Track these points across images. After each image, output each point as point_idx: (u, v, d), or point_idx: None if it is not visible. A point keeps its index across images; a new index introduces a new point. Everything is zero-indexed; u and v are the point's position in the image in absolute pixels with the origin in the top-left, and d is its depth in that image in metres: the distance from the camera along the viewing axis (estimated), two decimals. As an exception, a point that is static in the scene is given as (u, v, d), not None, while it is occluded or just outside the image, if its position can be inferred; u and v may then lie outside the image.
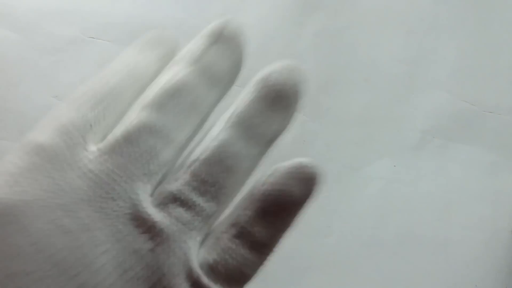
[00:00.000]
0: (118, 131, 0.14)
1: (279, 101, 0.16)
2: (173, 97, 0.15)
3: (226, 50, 0.17)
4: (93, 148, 0.14)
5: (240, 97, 0.16)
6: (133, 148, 0.14)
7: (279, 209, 0.15)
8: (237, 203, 0.15)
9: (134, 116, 0.15)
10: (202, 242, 0.14)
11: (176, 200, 0.14)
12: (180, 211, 0.14)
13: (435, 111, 0.37)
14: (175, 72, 0.16)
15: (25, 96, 0.35)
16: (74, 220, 0.13)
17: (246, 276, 0.15)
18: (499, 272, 0.32)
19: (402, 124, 0.37)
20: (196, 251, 0.14)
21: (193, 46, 0.17)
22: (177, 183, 0.14)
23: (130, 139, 0.14)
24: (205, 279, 0.14)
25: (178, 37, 0.19)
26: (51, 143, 0.14)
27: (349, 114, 0.37)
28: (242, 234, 0.14)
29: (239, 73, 0.18)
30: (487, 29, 0.40)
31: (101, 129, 0.15)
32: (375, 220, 0.33)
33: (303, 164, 0.16)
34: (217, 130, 0.15)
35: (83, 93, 0.15)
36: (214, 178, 0.14)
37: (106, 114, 0.15)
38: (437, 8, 0.41)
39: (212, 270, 0.14)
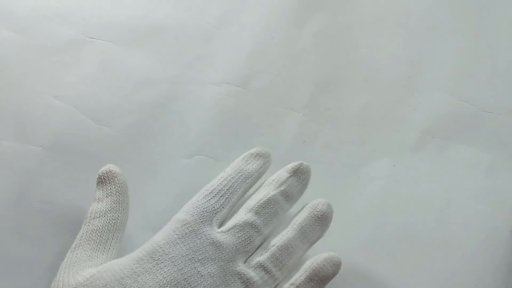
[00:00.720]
0: (233, 222, 0.26)
1: (322, 220, 0.28)
2: (265, 207, 0.27)
3: (299, 179, 0.29)
4: (216, 227, 0.26)
5: (297, 214, 0.28)
6: (241, 234, 0.26)
7: (320, 279, 0.26)
8: (294, 273, 0.26)
9: (243, 215, 0.27)
10: None
11: (261, 266, 0.25)
12: (263, 274, 0.25)
13: (435, 111, 0.37)
14: (268, 191, 0.28)
15: (25, 96, 0.35)
16: (205, 269, 0.24)
17: None
18: (499, 271, 0.32)
19: (402, 124, 0.37)
20: None
21: (279, 175, 0.28)
22: (262, 257, 0.26)
23: (240, 228, 0.26)
24: None
25: (270, 152, 0.30)
26: (193, 221, 0.25)
27: (349, 114, 0.37)
28: None
29: (305, 191, 0.29)
30: (486, 29, 0.40)
31: (221, 215, 0.26)
32: (375, 220, 0.33)
33: (334, 256, 0.27)
34: (287, 231, 0.27)
35: (213, 188, 0.27)
36: (282, 258, 0.26)
37: (225, 204, 0.27)
38: (437, 8, 0.41)
39: None
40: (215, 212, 0.26)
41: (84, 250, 0.24)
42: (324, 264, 0.26)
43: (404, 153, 0.36)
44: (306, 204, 0.28)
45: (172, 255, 0.24)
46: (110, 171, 0.27)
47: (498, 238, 0.33)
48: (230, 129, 0.35)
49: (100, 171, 0.27)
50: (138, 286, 0.23)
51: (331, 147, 0.36)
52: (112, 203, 0.26)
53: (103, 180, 0.27)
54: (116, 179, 0.27)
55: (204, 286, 0.23)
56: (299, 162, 0.29)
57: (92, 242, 0.25)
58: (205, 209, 0.26)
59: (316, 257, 0.26)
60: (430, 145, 0.36)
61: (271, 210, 0.27)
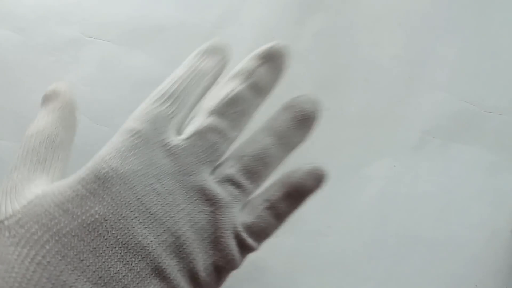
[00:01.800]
0: (192, 129, 0.21)
1: (303, 121, 0.23)
2: (231, 106, 0.22)
3: (271, 68, 0.23)
4: (173, 136, 0.21)
5: (275, 115, 0.23)
6: (203, 142, 0.21)
7: (298, 194, 0.22)
8: (269, 186, 0.22)
9: (202, 119, 0.21)
10: (242, 210, 0.21)
11: (230, 181, 0.21)
12: (232, 188, 0.21)
13: (435, 111, 0.37)
14: (233, 86, 0.22)
15: (25, 96, 0.35)
16: (162, 186, 0.20)
17: (268, 235, 0.21)
18: (499, 272, 0.32)
19: (402, 124, 0.37)
20: (239, 215, 0.21)
21: (246, 64, 0.23)
22: (232, 169, 0.21)
23: (201, 135, 0.21)
24: (244, 234, 0.21)
25: (228, 44, 0.24)
26: (145, 129, 0.21)
27: (349, 114, 0.37)
28: (271, 207, 0.21)
29: (278, 81, 0.23)
30: (487, 29, 0.40)
31: (177, 121, 0.21)
32: (375, 220, 0.33)
33: (318, 167, 0.22)
34: (261, 136, 0.22)
35: (164, 90, 0.22)
36: (256, 169, 0.21)
37: (181, 108, 0.21)
38: (437, 8, 0.41)
39: (249, 228, 0.21)
40: (169, 117, 0.21)
41: (20, 173, 0.21)
42: (306, 179, 0.22)
43: (404, 153, 0.36)
44: (286, 102, 0.23)
45: (121, 172, 0.20)
46: (54, 89, 0.23)
47: (499, 238, 0.33)
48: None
49: (45, 91, 0.24)
50: (82, 211, 0.19)
51: (331, 147, 0.36)
52: (52, 119, 0.23)
53: (46, 99, 0.23)
54: (60, 97, 0.23)
55: (162, 206, 0.19)
56: (270, 43, 0.23)
57: (29, 162, 0.21)
58: (157, 115, 0.21)
59: (296, 169, 0.22)
60: (431, 145, 0.36)
61: (238, 109, 0.22)
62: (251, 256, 0.30)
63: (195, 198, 0.20)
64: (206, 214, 0.20)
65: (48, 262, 0.18)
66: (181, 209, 0.20)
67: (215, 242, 0.20)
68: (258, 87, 0.22)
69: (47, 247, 0.19)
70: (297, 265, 0.32)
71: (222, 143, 0.21)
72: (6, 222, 0.19)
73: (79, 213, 0.19)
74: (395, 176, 0.35)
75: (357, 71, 0.38)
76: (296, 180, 0.22)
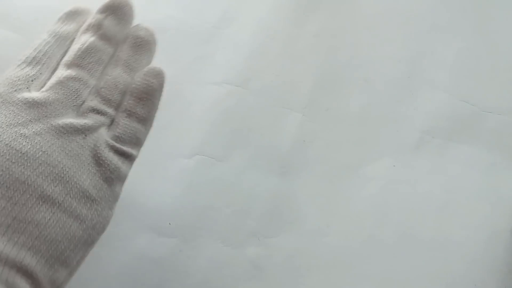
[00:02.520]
0: (53, 80, 0.23)
1: (142, 47, 0.27)
2: (85, 57, 0.24)
3: (117, 18, 0.26)
4: (35, 93, 0.23)
5: (120, 48, 0.26)
6: (64, 90, 0.23)
7: (148, 95, 0.25)
8: (123, 99, 0.25)
9: (61, 71, 0.24)
10: (110, 128, 0.24)
11: (93, 110, 0.24)
12: (96, 116, 0.24)
13: (435, 111, 0.37)
14: (85, 39, 0.25)
15: (25, 96, 0.35)
16: (29, 130, 0.22)
17: (140, 139, 0.25)
18: (499, 272, 0.32)
19: (402, 124, 0.37)
20: (108, 133, 0.24)
21: (94, 18, 0.26)
22: (93, 102, 0.24)
23: (62, 85, 0.23)
24: (117, 144, 0.23)
25: (87, 9, 0.27)
26: (5, 91, 0.23)
27: (349, 114, 0.37)
28: (130, 114, 0.24)
29: (127, 29, 0.26)
30: (486, 29, 0.40)
31: (39, 82, 0.23)
32: (374, 220, 0.33)
33: (153, 67, 0.26)
34: (111, 69, 0.25)
35: (25, 57, 0.24)
36: (112, 96, 0.24)
37: (43, 70, 0.24)
38: (437, 8, 0.41)
39: (120, 139, 0.24)
40: (31, 79, 0.23)
41: None
42: (146, 80, 0.25)
43: (404, 153, 0.36)
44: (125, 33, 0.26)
45: None
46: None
47: (498, 238, 0.33)
48: (230, 129, 0.35)
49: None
50: None
51: (331, 147, 0.36)
52: None
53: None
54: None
55: (32, 145, 0.21)
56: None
57: None
58: (18, 78, 0.23)
59: (135, 76, 0.25)
60: (430, 145, 0.36)
61: (93, 59, 0.24)
62: (250, 256, 0.30)
63: (64, 133, 0.22)
64: (77, 142, 0.22)
65: None
66: (52, 143, 0.22)
67: (96, 160, 0.23)
68: (107, 36, 0.25)
69: None
70: (297, 265, 0.32)
71: (84, 89, 0.24)
72: None
73: None
74: (394, 176, 0.35)
75: (357, 71, 0.38)
76: (140, 82, 0.25)
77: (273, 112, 0.37)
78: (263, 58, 0.38)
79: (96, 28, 0.25)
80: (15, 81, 0.23)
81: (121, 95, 0.25)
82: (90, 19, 0.26)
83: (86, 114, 0.23)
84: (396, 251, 0.32)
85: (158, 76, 0.26)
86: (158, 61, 0.37)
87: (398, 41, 0.40)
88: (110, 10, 0.26)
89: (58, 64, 0.25)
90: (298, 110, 0.37)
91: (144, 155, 0.34)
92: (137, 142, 0.25)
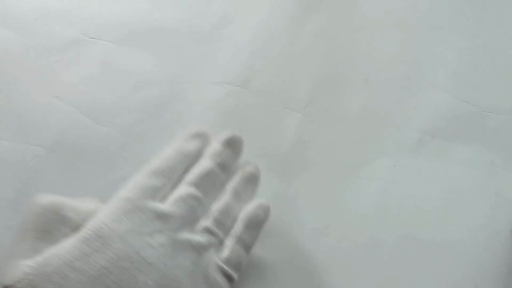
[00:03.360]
0: (177, 195, 0.27)
1: (251, 180, 0.31)
2: (205, 180, 0.28)
3: (233, 151, 0.30)
4: (159, 203, 0.26)
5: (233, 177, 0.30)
6: (186, 206, 0.27)
7: (256, 225, 0.28)
8: (234, 225, 0.28)
9: (184, 189, 0.27)
10: (219, 250, 0.27)
11: (208, 231, 0.27)
12: (209, 236, 0.27)
13: (435, 111, 0.37)
14: (206, 165, 0.29)
15: (25, 96, 0.35)
16: (155, 241, 0.24)
17: (242, 265, 0.27)
18: (499, 272, 0.32)
19: (402, 124, 0.37)
20: (218, 254, 0.27)
21: (215, 148, 0.30)
22: (207, 222, 0.27)
23: (184, 201, 0.27)
24: (224, 267, 0.26)
25: (207, 131, 0.31)
26: (135, 197, 0.25)
27: (349, 114, 0.37)
28: (239, 240, 0.28)
29: (238, 161, 0.31)
30: (487, 29, 0.40)
31: (163, 194, 0.27)
32: (375, 220, 0.33)
33: (263, 202, 0.29)
34: (224, 197, 0.29)
35: (154, 167, 0.27)
36: (223, 220, 0.28)
37: (167, 183, 0.27)
38: (437, 8, 0.41)
39: (227, 261, 0.27)
40: (157, 190, 0.26)
41: (26, 240, 0.24)
42: (255, 211, 0.28)
43: (404, 153, 0.36)
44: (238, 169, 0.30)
45: (119, 231, 0.24)
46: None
47: (498, 238, 0.33)
48: (230, 129, 0.35)
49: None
50: (89, 266, 0.22)
51: (331, 147, 0.36)
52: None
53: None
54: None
55: (157, 256, 0.24)
56: (230, 133, 0.30)
57: (34, 232, 0.24)
58: (147, 187, 0.26)
59: (246, 207, 0.29)
60: (430, 145, 0.36)
61: (209, 182, 0.28)
62: (251, 256, 0.30)
63: (182, 248, 0.25)
64: (193, 259, 0.25)
65: None
66: (172, 257, 0.24)
67: (205, 278, 0.25)
68: (223, 165, 0.29)
69: None
70: (297, 265, 0.32)
71: (199, 207, 0.27)
72: (18, 285, 0.21)
73: (87, 269, 0.22)
74: (394, 176, 0.35)
75: (357, 71, 0.38)
76: (252, 213, 0.28)
77: (273, 112, 0.37)
78: (263, 58, 0.38)
79: (216, 157, 0.29)
80: (145, 190, 0.26)
81: (231, 220, 0.28)
82: (212, 148, 0.30)
83: (200, 233, 0.26)
84: (396, 251, 0.32)
85: (266, 211, 0.29)
86: (158, 61, 0.37)
87: (398, 41, 0.40)
88: (229, 144, 0.30)
89: (178, 179, 0.28)
90: (298, 110, 0.37)
91: (144, 155, 0.34)
92: (239, 267, 0.27)
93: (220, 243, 0.27)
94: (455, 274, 0.32)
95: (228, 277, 0.26)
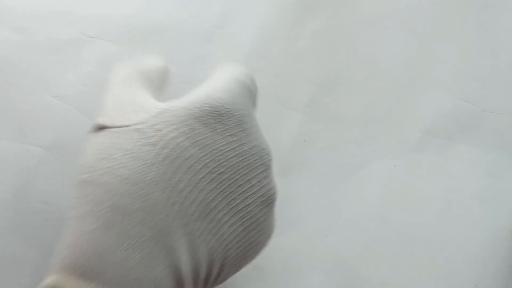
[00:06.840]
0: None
1: None
2: None
3: None
4: None
5: None
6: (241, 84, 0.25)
7: None
8: None
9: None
10: None
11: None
12: None
13: (435, 111, 0.37)
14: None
15: (24, 96, 0.35)
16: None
17: None
18: (499, 271, 0.32)
19: (402, 124, 0.36)
20: None
21: None
22: None
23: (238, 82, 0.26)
24: None
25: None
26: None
27: (349, 113, 0.37)
28: None
29: None
30: (487, 30, 0.40)
31: None
32: (374, 220, 0.33)
33: None
34: None
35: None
36: None
37: None
38: (437, 8, 0.41)
39: None
40: None
41: (128, 92, 0.22)
42: None
43: (404, 153, 0.35)
44: None
45: (243, 113, 0.22)
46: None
47: (499, 238, 0.33)
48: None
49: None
50: (222, 127, 0.20)
51: (331, 147, 0.36)
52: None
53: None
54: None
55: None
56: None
57: (135, 86, 0.22)
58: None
59: None
60: (431, 145, 0.36)
61: None
62: (251, 256, 0.30)
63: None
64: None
65: (189, 168, 0.19)
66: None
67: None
68: None
69: (188, 153, 0.19)
70: (297, 265, 0.32)
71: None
72: (139, 126, 0.19)
73: (219, 129, 0.20)
74: (395, 176, 0.35)
75: (357, 71, 0.38)
76: None
77: (273, 112, 0.36)
78: (263, 58, 0.38)
79: None
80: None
81: None
82: None
83: None
84: (396, 251, 0.32)
85: None
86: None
87: (398, 41, 0.40)
88: None
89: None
90: (298, 110, 0.37)
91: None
92: None
93: None
94: (456, 274, 0.32)
95: None
